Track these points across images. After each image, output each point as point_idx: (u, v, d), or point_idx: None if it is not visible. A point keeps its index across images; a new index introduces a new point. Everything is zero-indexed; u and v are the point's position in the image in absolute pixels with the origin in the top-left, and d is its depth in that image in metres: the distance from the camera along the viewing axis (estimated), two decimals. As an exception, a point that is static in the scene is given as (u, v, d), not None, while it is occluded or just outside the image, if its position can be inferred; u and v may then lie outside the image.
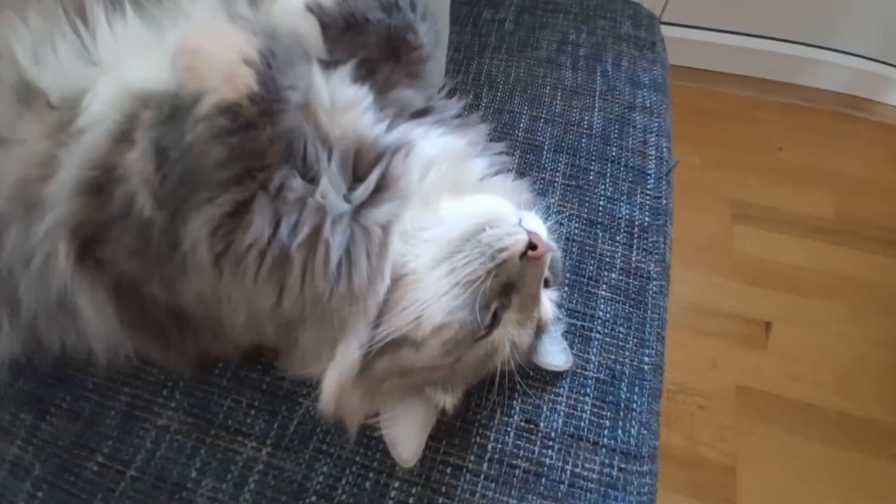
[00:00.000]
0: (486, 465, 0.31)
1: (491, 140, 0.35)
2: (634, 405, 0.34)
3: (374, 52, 0.28)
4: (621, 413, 0.34)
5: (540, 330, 0.29)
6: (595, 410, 0.34)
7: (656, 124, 0.48)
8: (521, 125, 0.46)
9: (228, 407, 0.33)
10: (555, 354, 0.33)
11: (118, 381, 0.34)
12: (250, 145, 0.23)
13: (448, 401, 0.29)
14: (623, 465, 0.32)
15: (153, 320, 0.29)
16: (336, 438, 0.32)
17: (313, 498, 0.31)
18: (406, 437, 0.29)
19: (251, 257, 0.24)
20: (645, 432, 0.33)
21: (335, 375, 0.27)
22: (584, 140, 0.46)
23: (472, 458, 0.32)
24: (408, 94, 0.29)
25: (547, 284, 0.30)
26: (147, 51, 0.27)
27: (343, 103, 0.26)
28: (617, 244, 0.40)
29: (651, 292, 0.39)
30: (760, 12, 0.96)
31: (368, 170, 0.26)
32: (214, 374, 0.34)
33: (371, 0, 0.27)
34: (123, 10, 0.27)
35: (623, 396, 0.34)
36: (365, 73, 0.29)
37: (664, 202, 0.44)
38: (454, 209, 0.28)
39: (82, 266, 0.26)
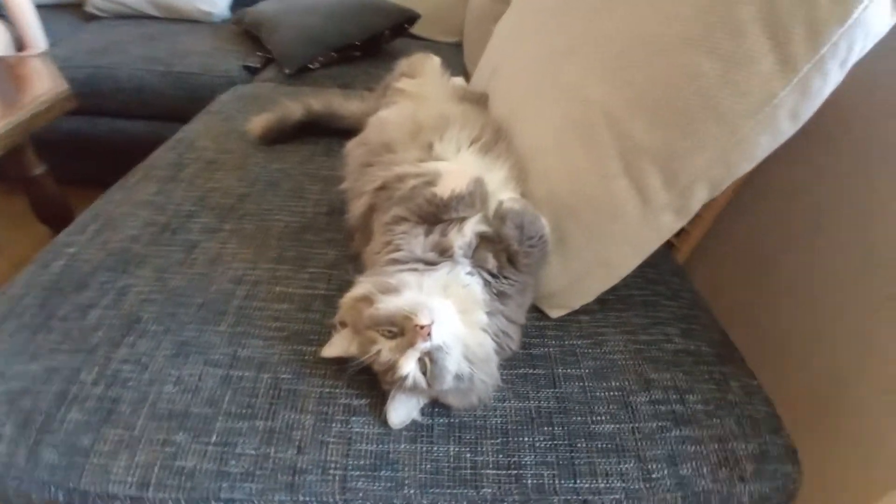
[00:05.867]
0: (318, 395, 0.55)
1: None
2: None
3: (501, 231, 0.55)
4: None
5: (396, 375, 0.49)
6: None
7: (623, 496, 0.50)
8: (561, 370, 0.59)
9: (325, 270, 0.69)
10: (395, 410, 0.51)
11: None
12: (427, 210, 0.56)
13: (352, 349, 0.53)
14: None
15: (367, 225, 0.67)
16: (331, 315, 0.62)
17: (309, 314, 0.63)
18: (333, 344, 0.55)
19: (387, 230, 0.57)
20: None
21: (356, 289, 0.56)
22: (577, 418, 0.54)
23: (318, 385, 0.55)
24: (489, 257, 0.54)
25: (426, 375, 0.49)
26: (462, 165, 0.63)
27: (464, 232, 0.55)
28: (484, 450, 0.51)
29: None
30: None
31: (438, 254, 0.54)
32: (351, 263, 0.70)
33: (516, 215, 0.54)
34: (479, 151, 0.65)
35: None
36: (494, 241, 0.56)
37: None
38: (438, 298, 0.51)
39: (376, 192, 0.65)
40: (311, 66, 1.46)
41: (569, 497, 0.50)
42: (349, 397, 0.54)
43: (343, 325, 0.56)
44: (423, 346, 0.47)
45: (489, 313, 0.53)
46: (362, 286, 0.55)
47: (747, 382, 0.64)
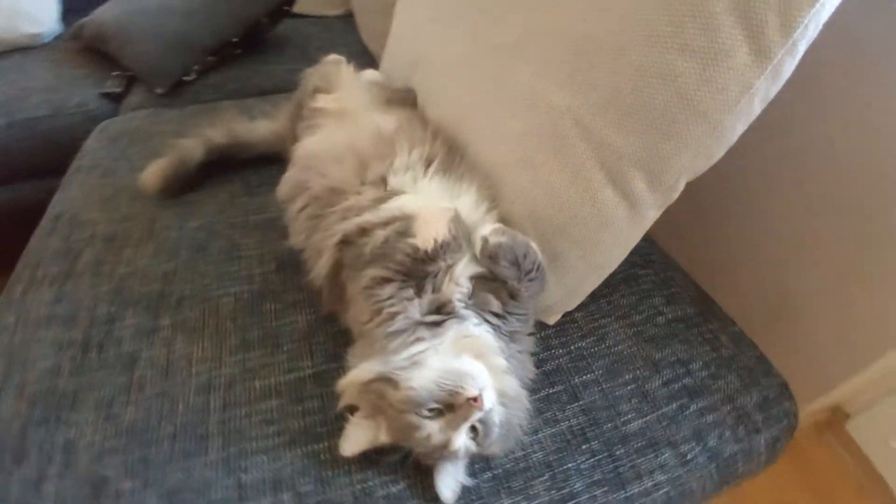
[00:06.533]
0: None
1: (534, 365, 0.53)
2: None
3: (495, 271, 0.51)
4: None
5: (447, 451, 0.45)
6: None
7: (670, 487, 0.53)
8: (578, 380, 0.60)
9: (318, 337, 0.62)
10: (445, 484, 0.48)
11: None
12: (409, 264, 0.50)
13: (382, 437, 0.48)
14: None
15: (335, 280, 0.59)
16: (332, 404, 0.56)
17: (305, 403, 0.56)
18: (352, 438, 0.49)
19: (368, 294, 0.51)
20: None
21: (358, 371, 0.50)
22: (607, 424, 0.56)
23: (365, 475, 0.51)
24: (491, 299, 0.51)
25: (475, 438, 0.46)
26: (425, 196, 0.57)
27: (458, 281, 0.50)
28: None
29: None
30: None
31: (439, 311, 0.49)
32: (328, 324, 0.63)
33: (507, 251, 0.50)
34: (438, 174, 0.59)
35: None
36: (489, 279, 0.52)
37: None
38: (467, 360, 0.47)
39: (338, 246, 0.57)
40: (186, 77, 1.24)
41: (625, 509, 0.51)
42: (385, 486, 0.50)
43: (352, 409, 0.50)
44: (477, 416, 0.44)
45: (507, 358, 0.50)
46: (368, 367, 0.49)
47: (732, 331, 0.69)
